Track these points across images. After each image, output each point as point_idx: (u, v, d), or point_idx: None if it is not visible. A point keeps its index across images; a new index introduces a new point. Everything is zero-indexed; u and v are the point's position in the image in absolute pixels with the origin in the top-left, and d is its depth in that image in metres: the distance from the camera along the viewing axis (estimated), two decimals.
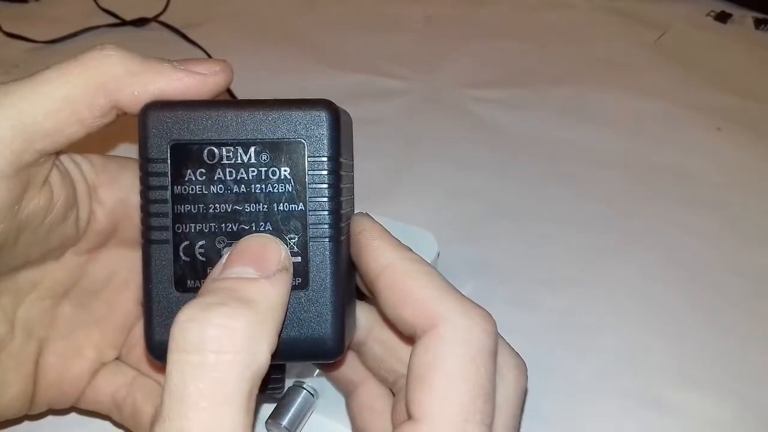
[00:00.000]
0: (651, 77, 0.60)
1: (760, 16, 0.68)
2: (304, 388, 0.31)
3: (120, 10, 0.66)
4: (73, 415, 0.31)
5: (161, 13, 0.65)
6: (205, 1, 0.71)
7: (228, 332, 0.18)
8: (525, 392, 0.22)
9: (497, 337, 0.21)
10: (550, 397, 0.35)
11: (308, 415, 0.32)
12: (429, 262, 0.34)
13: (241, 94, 0.57)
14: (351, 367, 0.27)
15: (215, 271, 0.20)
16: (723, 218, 0.46)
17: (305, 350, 0.22)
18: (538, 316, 0.39)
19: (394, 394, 0.25)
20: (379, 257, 0.22)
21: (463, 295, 0.21)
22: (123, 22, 0.65)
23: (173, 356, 0.18)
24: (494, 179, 0.49)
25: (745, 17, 0.68)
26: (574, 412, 0.34)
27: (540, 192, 0.48)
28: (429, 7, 0.71)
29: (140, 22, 0.64)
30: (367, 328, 0.25)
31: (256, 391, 0.18)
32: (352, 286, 0.25)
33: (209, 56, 0.60)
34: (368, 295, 0.24)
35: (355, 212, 0.24)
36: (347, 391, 0.27)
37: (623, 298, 0.40)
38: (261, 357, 0.18)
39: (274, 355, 0.19)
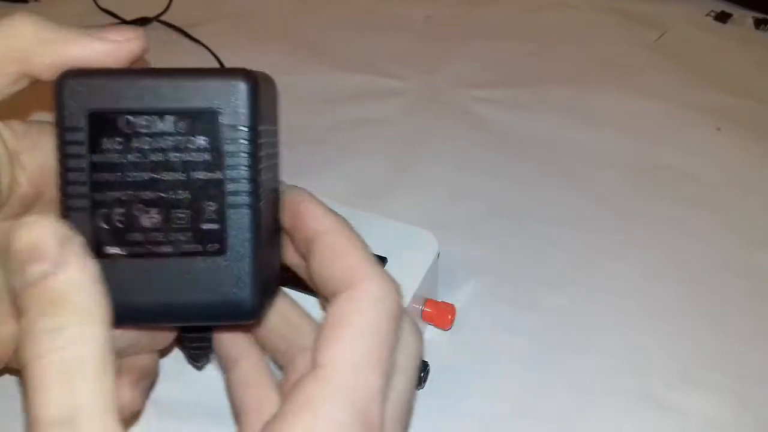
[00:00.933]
0: (651, 77, 0.60)
1: (760, 16, 0.68)
2: None
3: (119, 9, 0.66)
4: None
5: (163, 13, 0.65)
6: (206, 0, 0.71)
7: (61, 333, 0.19)
8: (421, 358, 0.24)
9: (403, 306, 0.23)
10: (550, 397, 0.35)
11: None
12: (429, 262, 0.34)
13: None
14: (233, 341, 0.28)
15: (14, 276, 0.20)
16: (723, 218, 0.46)
17: (223, 313, 0.23)
18: (538, 316, 0.39)
19: (281, 368, 0.27)
20: (322, 218, 0.24)
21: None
22: (123, 22, 0.65)
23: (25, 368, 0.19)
24: (494, 179, 0.49)
25: (745, 17, 0.68)
26: (574, 412, 0.34)
27: (540, 192, 0.48)
28: (429, 7, 0.71)
29: (141, 22, 0.64)
30: None
31: (109, 365, 0.20)
32: (274, 255, 0.26)
33: (217, 57, 0.60)
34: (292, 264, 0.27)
35: (297, 187, 0.26)
36: (227, 366, 0.28)
37: (623, 298, 0.40)
38: (98, 335, 0.20)
39: (195, 318, 0.21)
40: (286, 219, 0.25)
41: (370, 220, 0.38)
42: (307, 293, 0.33)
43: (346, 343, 0.21)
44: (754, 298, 0.40)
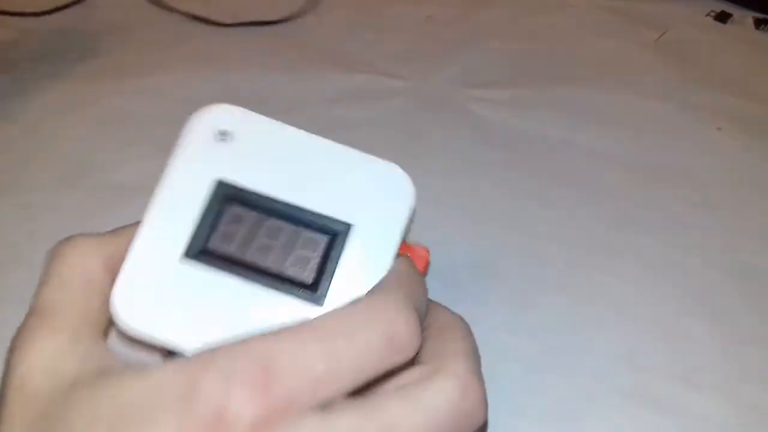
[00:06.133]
0: (651, 77, 0.60)
1: (760, 16, 0.68)
2: None
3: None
4: None
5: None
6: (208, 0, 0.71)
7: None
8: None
9: None
10: (550, 397, 0.35)
11: None
12: (405, 213, 0.27)
13: (242, 93, 0.57)
14: None
15: None
16: (723, 218, 0.46)
17: None
18: (538, 316, 0.39)
19: None
20: None
21: None
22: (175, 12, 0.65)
23: None
24: (494, 179, 0.49)
25: (745, 17, 0.68)
26: (574, 412, 0.34)
27: (540, 192, 0.48)
28: (429, 7, 0.71)
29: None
30: None
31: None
32: None
33: None
34: None
35: None
36: None
37: (623, 298, 0.40)
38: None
39: None
40: None
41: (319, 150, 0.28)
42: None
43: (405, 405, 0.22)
44: (754, 298, 0.40)
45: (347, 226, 0.26)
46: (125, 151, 0.52)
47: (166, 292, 0.25)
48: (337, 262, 0.26)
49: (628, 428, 0.33)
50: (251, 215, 0.26)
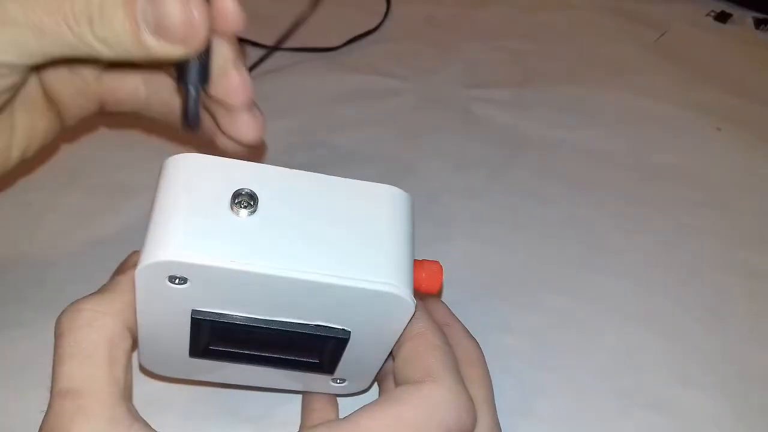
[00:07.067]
0: (651, 77, 0.60)
1: (760, 16, 0.68)
2: None
3: None
4: None
5: None
6: None
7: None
8: None
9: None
10: (550, 397, 0.35)
11: None
12: (402, 324, 0.26)
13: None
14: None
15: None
16: (723, 218, 0.46)
17: None
18: (538, 316, 0.39)
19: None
20: (413, 323, 0.27)
21: None
22: None
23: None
24: (494, 179, 0.49)
25: (745, 17, 0.68)
26: (574, 412, 0.34)
27: (540, 192, 0.48)
28: (429, 7, 0.71)
29: None
30: None
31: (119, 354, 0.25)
32: None
33: None
34: None
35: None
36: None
37: (623, 298, 0.40)
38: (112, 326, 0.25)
39: None
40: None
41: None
42: None
43: (382, 417, 0.24)
44: (754, 298, 0.40)
45: (347, 333, 0.26)
46: (125, 151, 0.52)
47: (185, 369, 0.29)
48: (341, 354, 0.27)
49: (628, 428, 0.34)
50: (241, 328, 0.25)
